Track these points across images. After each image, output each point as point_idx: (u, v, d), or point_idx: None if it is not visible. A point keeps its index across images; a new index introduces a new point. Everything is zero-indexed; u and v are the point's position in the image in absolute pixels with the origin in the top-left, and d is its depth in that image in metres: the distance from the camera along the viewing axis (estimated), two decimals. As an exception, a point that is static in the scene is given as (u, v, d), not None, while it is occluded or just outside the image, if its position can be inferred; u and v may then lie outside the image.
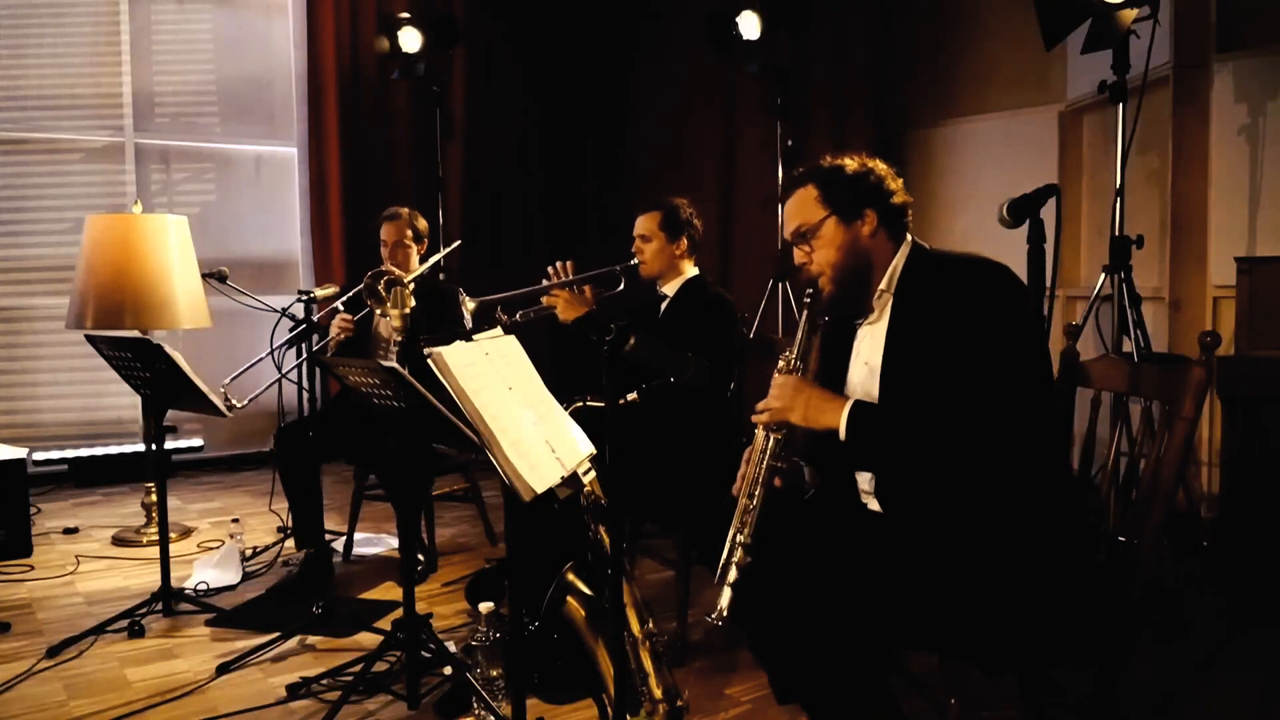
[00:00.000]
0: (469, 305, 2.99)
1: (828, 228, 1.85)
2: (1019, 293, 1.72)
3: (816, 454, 1.92)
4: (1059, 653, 1.70)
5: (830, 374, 1.94)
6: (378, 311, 3.15)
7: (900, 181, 1.90)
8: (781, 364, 1.87)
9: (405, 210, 3.70)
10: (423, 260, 3.67)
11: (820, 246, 1.87)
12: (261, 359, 3.44)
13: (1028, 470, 1.67)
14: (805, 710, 1.74)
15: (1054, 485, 1.71)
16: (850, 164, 1.89)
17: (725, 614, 1.71)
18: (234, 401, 3.16)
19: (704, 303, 2.96)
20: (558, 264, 3.04)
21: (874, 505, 1.89)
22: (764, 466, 1.81)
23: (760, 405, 1.83)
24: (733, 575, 1.73)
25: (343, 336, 3.44)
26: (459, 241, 3.53)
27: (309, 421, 3.37)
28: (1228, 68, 3.86)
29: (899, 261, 1.85)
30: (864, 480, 1.91)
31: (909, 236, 1.88)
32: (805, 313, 1.89)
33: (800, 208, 1.89)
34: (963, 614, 1.64)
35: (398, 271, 2.92)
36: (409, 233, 3.63)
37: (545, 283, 3.01)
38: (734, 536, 1.76)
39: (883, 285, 1.85)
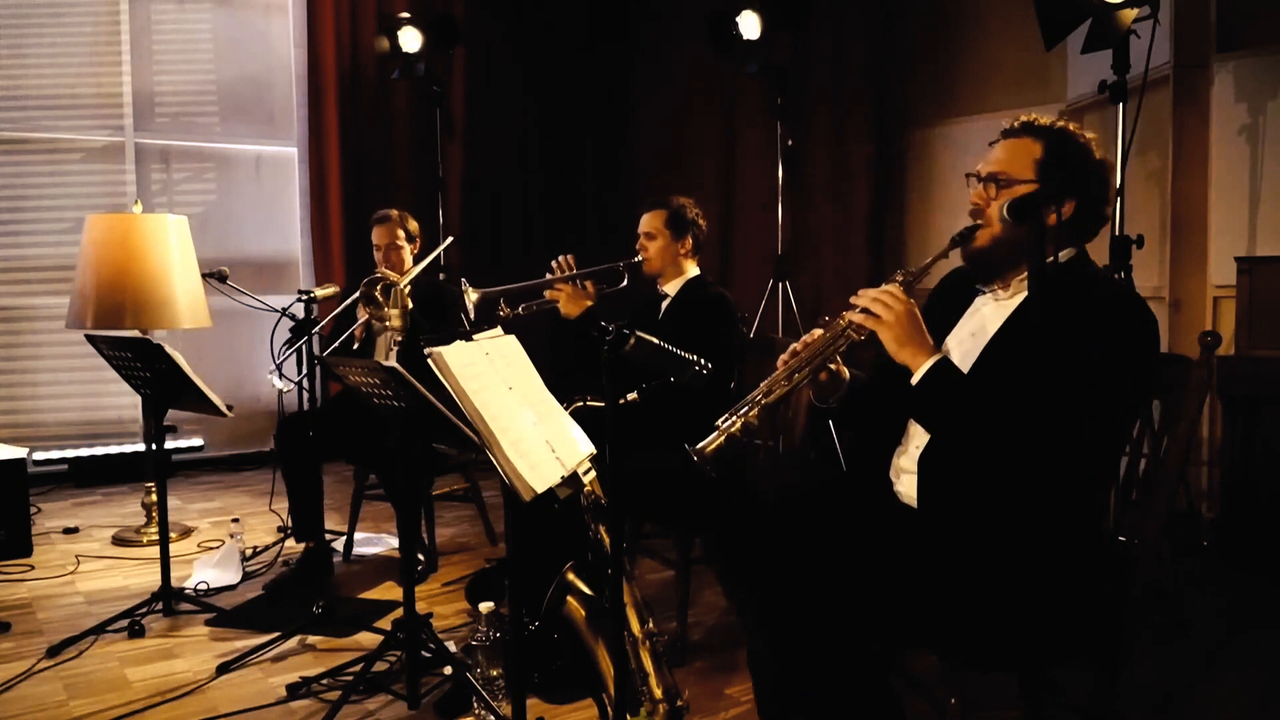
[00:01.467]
0: (472, 296, 2.98)
1: (1022, 192, 1.71)
2: (1153, 339, 1.67)
3: (872, 398, 1.85)
4: (1059, 653, 1.70)
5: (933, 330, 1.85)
6: (374, 320, 3.15)
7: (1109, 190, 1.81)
8: (899, 277, 1.78)
9: (395, 212, 3.70)
10: (417, 260, 3.68)
11: (1004, 200, 1.72)
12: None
13: (1072, 480, 1.65)
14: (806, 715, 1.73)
15: (1088, 498, 1.70)
16: (1088, 141, 1.77)
17: (705, 452, 1.71)
18: (279, 385, 3.13)
19: (705, 302, 2.96)
20: (560, 259, 3.04)
21: (902, 484, 1.87)
22: (820, 356, 1.76)
23: (863, 298, 1.74)
24: (736, 427, 1.72)
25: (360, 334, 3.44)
26: (452, 238, 3.53)
27: (309, 419, 3.37)
28: (1228, 68, 3.85)
29: (1060, 259, 1.76)
30: (905, 457, 1.87)
31: (1083, 247, 1.79)
32: (950, 243, 1.80)
33: (1014, 157, 1.76)
34: (965, 614, 1.64)
35: (392, 276, 2.92)
36: (401, 234, 3.64)
37: (548, 276, 3.02)
38: (755, 397, 1.74)
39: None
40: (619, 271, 3.04)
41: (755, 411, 1.74)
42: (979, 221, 1.79)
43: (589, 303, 2.96)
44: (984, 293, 1.87)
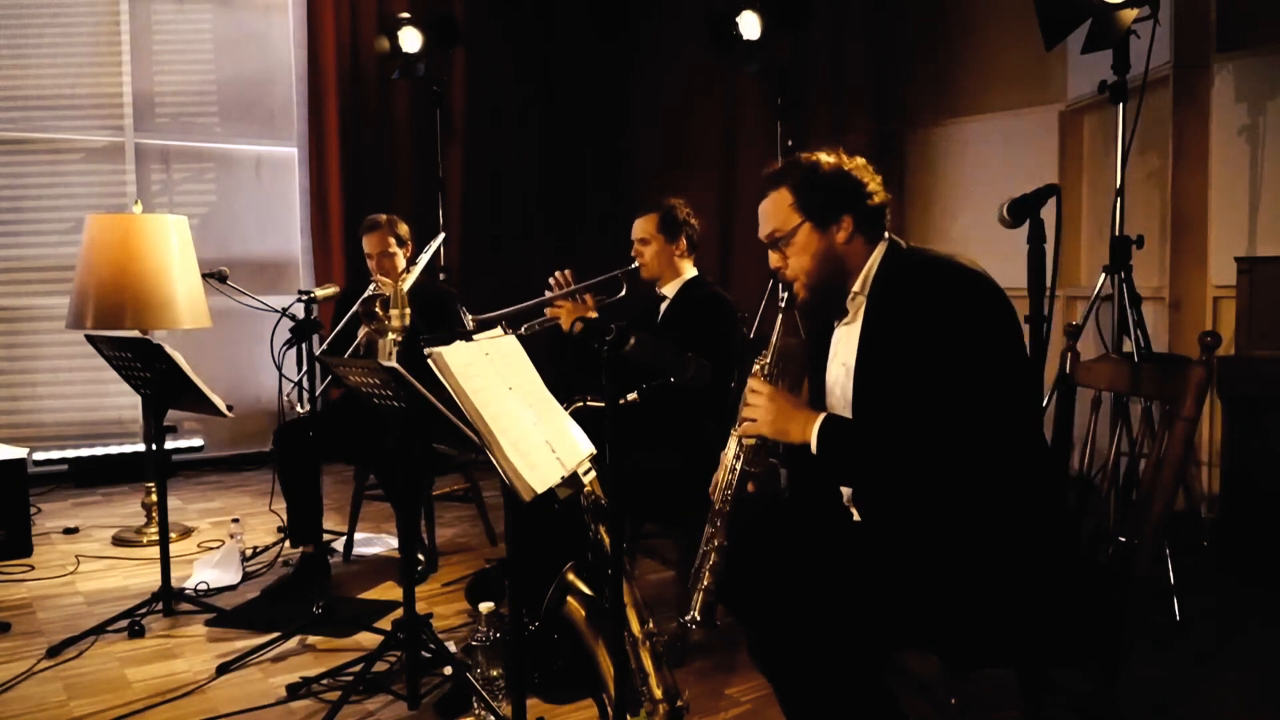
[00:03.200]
0: (469, 322, 2.98)
1: (802, 235, 1.82)
2: (992, 294, 1.69)
3: (795, 458, 1.91)
4: (1059, 653, 1.70)
5: (815, 371, 1.93)
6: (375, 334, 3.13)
7: (879, 179, 1.86)
8: (757, 368, 1.85)
9: (384, 217, 3.68)
10: (410, 263, 3.68)
11: (794, 253, 1.83)
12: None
13: (1010, 472, 1.65)
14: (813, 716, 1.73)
15: (1038, 484, 1.70)
16: (826, 162, 1.84)
17: (698, 619, 1.76)
18: (300, 409, 3.13)
19: (703, 303, 2.96)
20: (557, 274, 3.04)
21: (858, 515, 1.90)
22: (737, 472, 1.83)
23: (740, 416, 1.82)
24: (706, 580, 1.77)
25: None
26: (443, 235, 3.52)
27: (309, 421, 3.37)
28: (1228, 68, 3.85)
29: (873, 263, 1.82)
30: (846, 491, 1.90)
31: (886, 236, 1.85)
32: (780, 315, 1.88)
33: (775, 211, 1.85)
34: (956, 616, 1.64)
35: (387, 287, 2.90)
36: (392, 240, 3.62)
37: (547, 294, 3.01)
38: (707, 540, 1.79)
39: (856, 288, 1.83)
40: (618, 280, 3.04)
41: (716, 559, 1.80)
42: (788, 279, 1.86)
43: (591, 315, 2.96)
44: (837, 325, 1.92)
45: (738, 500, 1.82)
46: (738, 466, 1.84)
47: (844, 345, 1.87)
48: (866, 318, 1.80)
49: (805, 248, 1.82)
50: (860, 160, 1.88)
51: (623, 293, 3.06)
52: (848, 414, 1.79)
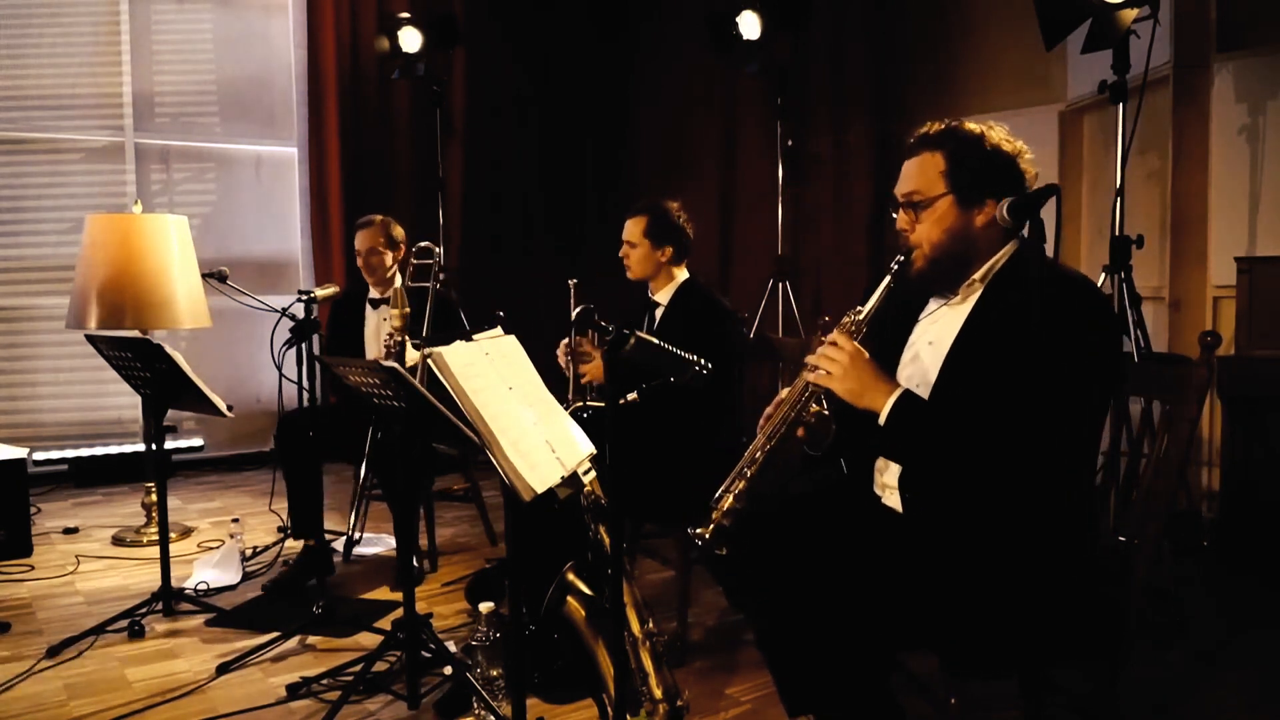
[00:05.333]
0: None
1: (941, 205, 1.74)
2: (1113, 322, 1.68)
3: (847, 419, 1.84)
4: (1059, 653, 1.70)
5: (883, 343, 1.85)
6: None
7: (1035, 170, 1.77)
8: (847, 320, 1.79)
9: (379, 218, 3.71)
10: (401, 267, 3.70)
11: (927, 221, 1.75)
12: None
13: (1055, 481, 1.64)
14: (815, 714, 1.73)
15: (1074, 496, 1.69)
16: (991, 138, 1.75)
17: (706, 538, 1.71)
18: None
19: (699, 306, 2.95)
20: (562, 345, 3.03)
21: (888, 498, 1.88)
22: (792, 415, 1.77)
23: (811, 360, 1.76)
24: (727, 503, 1.73)
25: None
26: (425, 243, 3.53)
27: (310, 419, 3.37)
28: (1228, 68, 3.85)
29: (1001, 258, 1.76)
30: (888, 474, 1.87)
31: (1022, 234, 1.76)
32: (888, 278, 1.79)
33: (920, 173, 1.76)
34: (965, 616, 1.64)
35: (398, 333, 2.91)
36: (382, 240, 3.64)
37: (564, 362, 3.01)
38: (740, 470, 1.75)
39: (977, 276, 1.77)
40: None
41: (743, 485, 1.75)
42: (910, 245, 1.80)
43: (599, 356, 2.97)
44: (936, 299, 1.87)
45: (783, 440, 1.76)
46: (793, 410, 1.78)
47: (940, 325, 1.82)
48: (981, 304, 1.75)
49: (941, 220, 1.75)
50: (1023, 145, 1.78)
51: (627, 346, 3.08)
52: (917, 390, 1.74)
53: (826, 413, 1.81)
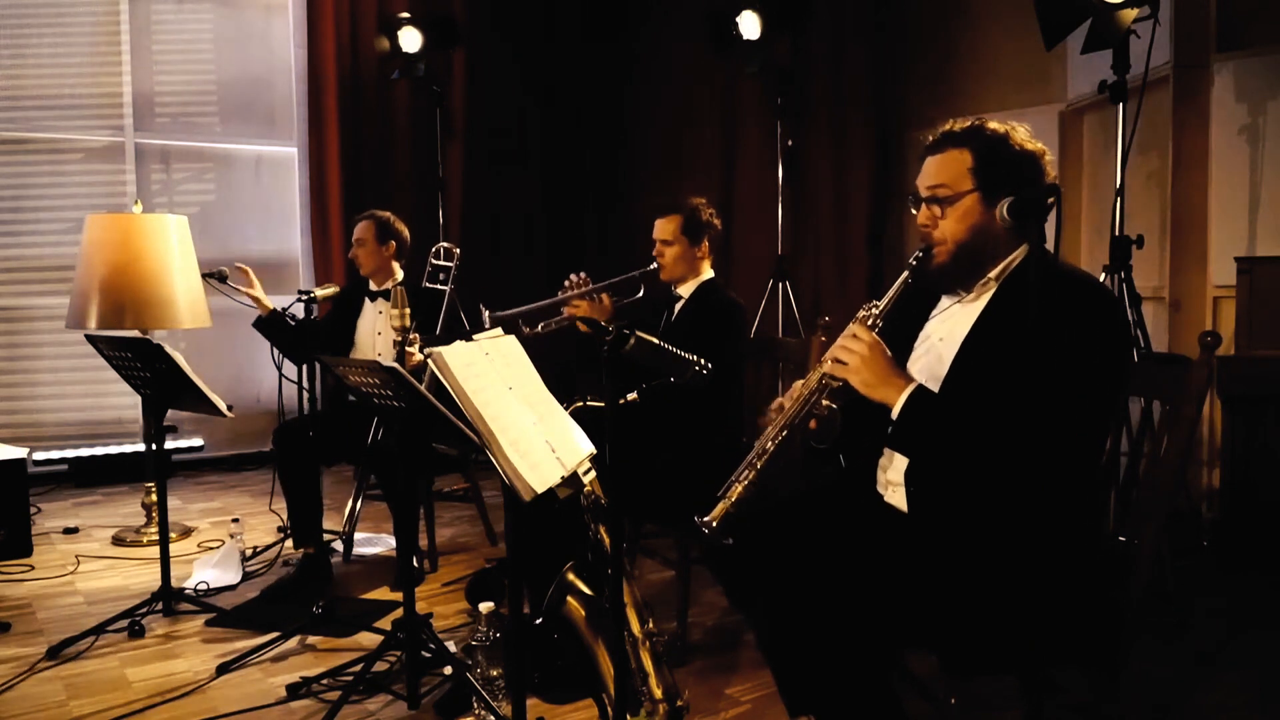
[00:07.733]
0: (486, 320, 2.98)
1: (967, 201, 1.75)
2: (1124, 324, 1.68)
3: (856, 410, 1.85)
4: (1059, 653, 1.70)
5: (894, 338, 1.86)
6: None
7: (1055, 171, 1.80)
8: (863, 313, 1.80)
9: (381, 213, 3.74)
10: (401, 267, 3.73)
11: (952, 217, 1.77)
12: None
13: (1061, 480, 1.65)
14: (815, 713, 1.73)
15: (1080, 495, 1.69)
16: (1016, 138, 1.77)
17: (714, 525, 1.70)
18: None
19: (717, 308, 2.97)
20: (573, 276, 3.03)
21: (891, 495, 1.88)
22: (806, 406, 1.78)
23: (830, 353, 1.77)
24: (737, 492, 1.73)
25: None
26: (445, 244, 3.57)
27: (309, 421, 3.37)
28: (1228, 68, 3.85)
29: (1016, 258, 1.78)
30: (893, 470, 1.88)
31: (1035, 237, 1.76)
32: (907, 272, 1.80)
33: (947, 169, 1.78)
34: (965, 615, 1.64)
35: (416, 354, 2.93)
36: (372, 232, 3.68)
37: (561, 294, 3.00)
38: (749, 460, 1.76)
39: (992, 275, 1.79)
40: (635, 281, 3.03)
41: (753, 475, 1.75)
42: (931, 241, 1.81)
43: (607, 316, 2.95)
44: (949, 297, 1.88)
45: (795, 432, 1.77)
46: (809, 401, 1.78)
47: (951, 321, 1.84)
48: (995, 302, 1.77)
49: (965, 216, 1.76)
50: (1044, 147, 1.81)
51: (640, 294, 3.06)
52: (927, 385, 1.75)
53: (836, 406, 1.82)
